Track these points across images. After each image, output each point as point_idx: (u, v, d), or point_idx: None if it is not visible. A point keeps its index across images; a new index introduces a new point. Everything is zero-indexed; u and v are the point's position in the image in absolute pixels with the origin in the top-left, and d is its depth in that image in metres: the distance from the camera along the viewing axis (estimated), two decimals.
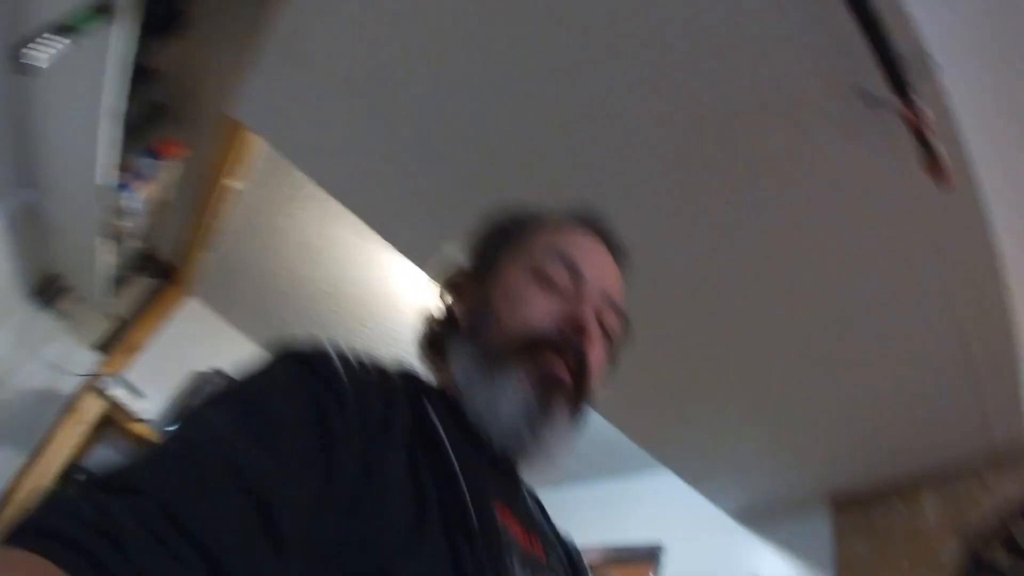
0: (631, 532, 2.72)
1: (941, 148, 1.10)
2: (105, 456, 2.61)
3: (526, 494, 0.76)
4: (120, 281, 2.51)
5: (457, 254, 0.84)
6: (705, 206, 1.42)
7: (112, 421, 2.54)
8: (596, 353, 0.72)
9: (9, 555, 0.33)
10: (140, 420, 2.58)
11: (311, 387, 0.54)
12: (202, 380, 3.04)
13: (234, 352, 3.19)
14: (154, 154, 1.85)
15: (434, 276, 0.89)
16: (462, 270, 0.82)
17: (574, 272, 0.74)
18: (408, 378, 0.69)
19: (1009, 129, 1.26)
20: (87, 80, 1.38)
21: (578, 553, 0.77)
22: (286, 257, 2.55)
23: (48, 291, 2.43)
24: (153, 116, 1.73)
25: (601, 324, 0.74)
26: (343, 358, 0.59)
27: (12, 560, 0.33)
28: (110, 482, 0.39)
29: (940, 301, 1.40)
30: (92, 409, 2.41)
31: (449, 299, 0.80)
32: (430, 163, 1.56)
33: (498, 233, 0.82)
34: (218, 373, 3.07)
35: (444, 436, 0.60)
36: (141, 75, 1.60)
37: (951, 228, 1.28)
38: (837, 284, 1.47)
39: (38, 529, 0.34)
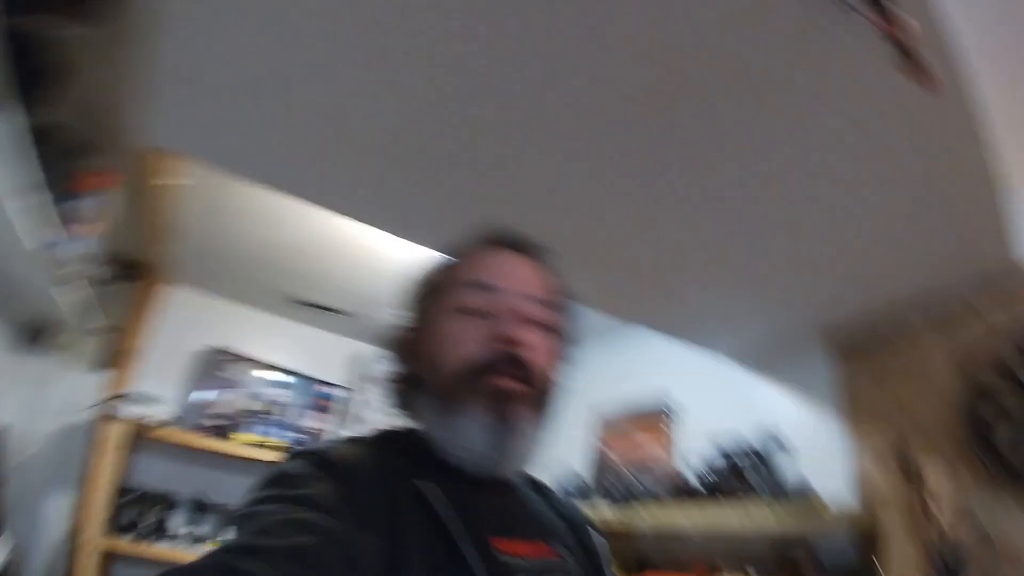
0: (644, 388, 2.82)
1: (917, 47, 1.03)
2: (149, 466, 2.68)
3: (522, 495, 0.81)
4: (97, 301, 2.46)
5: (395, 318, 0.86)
6: (695, 108, 1.33)
7: (141, 434, 2.57)
8: (535, 350, 0.75)
9: None
10: (164, 424, 2.62)
11: (319, 476, 0.63)
12: (213, 356, 3.08)
13: (231, 322, 3.22)
14: (76, 194, 1.73)
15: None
16: (403, 329, 0.84)
17: (487, 290, 0.76)
18: (397, 452, 0.73)
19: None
20: None
21: (585, 528, 0.85)
22: (250, 231, 2.51)
23: (33, 335, 2.39)
24: (72, 160, 1.61)
25: (535, 321, 0.77)
26: (337, 452, 0.68)
27: None
28: (239, 550, 0.52)
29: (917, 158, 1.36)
30: (115, 435, 2.42)
31: (400, 358, 0.83)
32: (337, 137, 1.52)
33: (421, 288, 0.85)
34: (221, 350, 3.10)
35: (442, 515, 0.65)
36: (44, 132, 1.47)
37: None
38: (817, 160, 1.41)
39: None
